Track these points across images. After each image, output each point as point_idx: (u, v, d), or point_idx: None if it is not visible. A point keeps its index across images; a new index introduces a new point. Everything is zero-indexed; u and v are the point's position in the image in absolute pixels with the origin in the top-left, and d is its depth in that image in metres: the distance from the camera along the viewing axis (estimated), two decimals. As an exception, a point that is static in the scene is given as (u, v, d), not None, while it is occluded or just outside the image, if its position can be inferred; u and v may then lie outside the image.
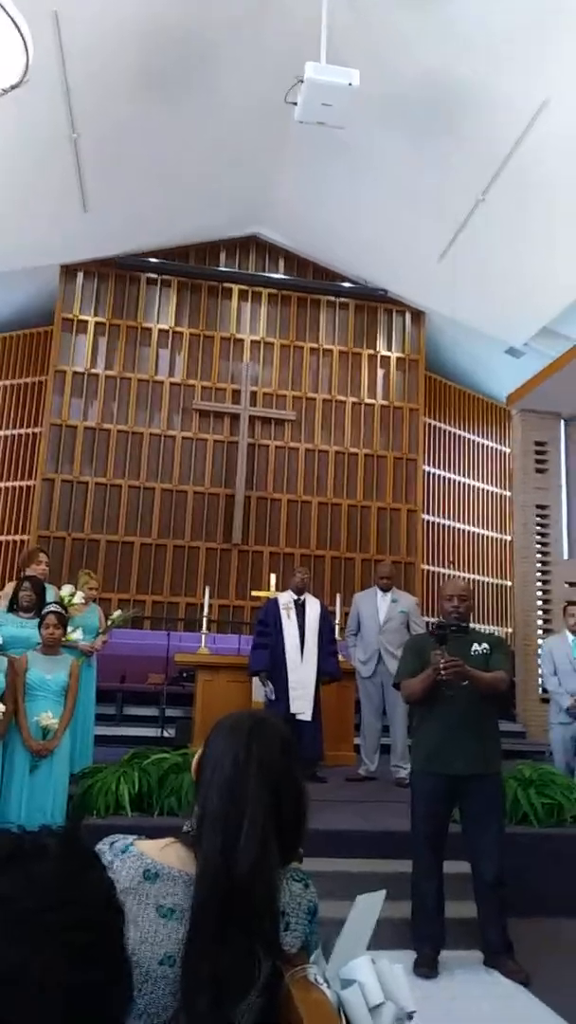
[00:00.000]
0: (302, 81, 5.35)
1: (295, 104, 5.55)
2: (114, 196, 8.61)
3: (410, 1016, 1.29)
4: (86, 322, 10.09)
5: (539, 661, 6.40)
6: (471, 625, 3.87)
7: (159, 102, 7.33)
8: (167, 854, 1.25)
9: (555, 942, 3.93)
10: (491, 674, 3.55)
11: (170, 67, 6.96)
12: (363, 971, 1.25)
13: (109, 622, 5.65)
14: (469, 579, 11.04)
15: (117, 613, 5.78)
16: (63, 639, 4.58)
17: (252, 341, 10.51)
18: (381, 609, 5.93)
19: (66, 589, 5.48)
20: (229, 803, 1.21)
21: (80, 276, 10.13)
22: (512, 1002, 3.30)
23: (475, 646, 3.64)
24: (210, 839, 1.20)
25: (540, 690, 7.78)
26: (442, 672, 3.40)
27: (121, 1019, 1.01)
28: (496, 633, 10.43)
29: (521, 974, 3.46)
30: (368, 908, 1.33)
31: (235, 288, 10.58)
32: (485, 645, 3.66)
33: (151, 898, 1.20)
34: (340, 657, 6.25)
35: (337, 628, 6.77)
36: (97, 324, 10.13)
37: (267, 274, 10.65)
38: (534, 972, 3.48)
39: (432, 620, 5.71)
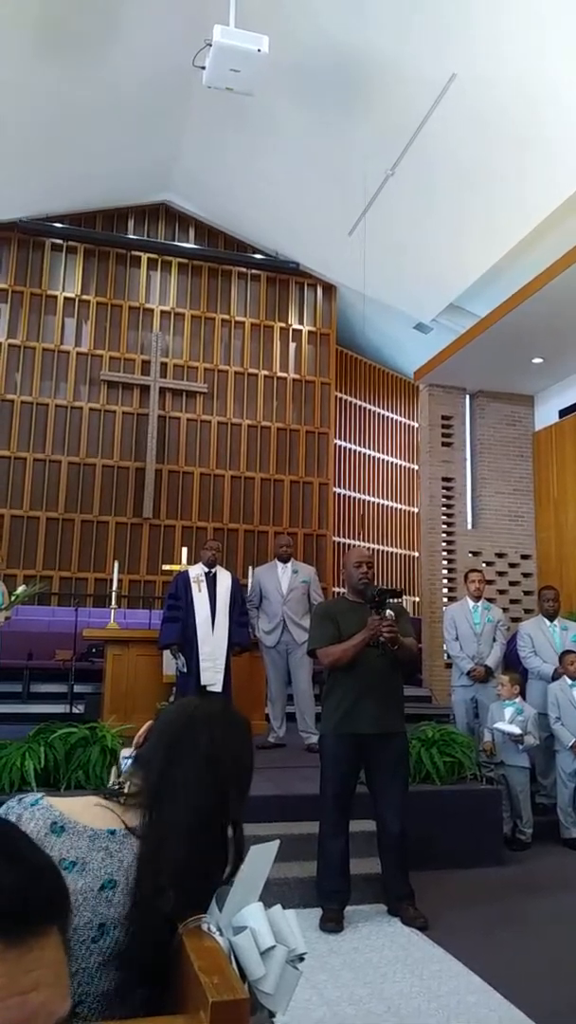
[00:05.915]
0: (210, 45, 5.23)
1: (203, 68, 5.44)
2: (16, 158, 8.24)
3: (300, 958, 1.34)
4: (-14, 288, 9.68)
5: (444, 627, 6.60)
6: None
7: (61, 60, 7.02)
8: (74, 807, 1.28)
9: (452, 892, 4.14)
10: (411, 639, 3.79)
11: (73, 23, 6.67)
12: (255, 917, 1.29)
13: (13, 598, 5.52)
14: (378, 550, 11.30)
15: (22, 588, 5.66)
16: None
17: (162, 311, 10.32)
18: (283, 580, 6.04)
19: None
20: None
21: (-21, 239, 9.69)
22: (411, 948, 3.45)
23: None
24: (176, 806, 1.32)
25: (445, 656, 8.06)
26: (384, 636, 3.55)
27: None
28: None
29: (420, 919, 3.65)
30: (261, 858, 1.36)
31: (144, 256, 10.34)
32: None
33: (55, 851, 1.22)
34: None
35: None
36: (-2, 290, 9.73)
37: (177, 243, 10.45)
38: (432, 920, 3.67)
39: (338, 589, 5.80)
